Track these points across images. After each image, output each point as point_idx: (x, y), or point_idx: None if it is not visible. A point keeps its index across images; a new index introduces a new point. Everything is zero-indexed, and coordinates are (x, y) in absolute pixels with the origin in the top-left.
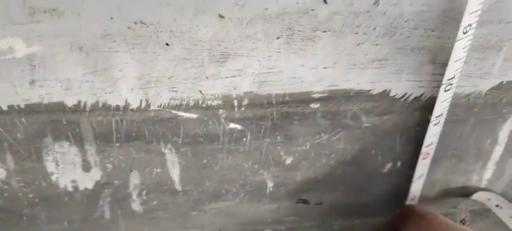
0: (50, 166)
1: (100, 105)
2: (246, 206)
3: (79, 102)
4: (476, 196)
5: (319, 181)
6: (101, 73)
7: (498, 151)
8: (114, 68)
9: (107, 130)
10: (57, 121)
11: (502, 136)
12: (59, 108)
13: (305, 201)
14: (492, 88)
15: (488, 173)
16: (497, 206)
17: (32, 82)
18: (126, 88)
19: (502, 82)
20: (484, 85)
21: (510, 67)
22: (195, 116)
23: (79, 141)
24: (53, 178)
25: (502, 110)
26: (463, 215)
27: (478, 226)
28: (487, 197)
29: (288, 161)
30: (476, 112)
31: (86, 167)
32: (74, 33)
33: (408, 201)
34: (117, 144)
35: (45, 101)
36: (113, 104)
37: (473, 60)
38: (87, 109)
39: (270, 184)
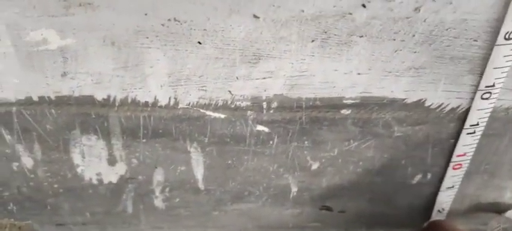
0: (77, 158)
1: (129, 100)
2: (268, 209)
3: (109, 96)
4: (509, 213)
5: (344, 188)
6: (132, 69)
7: None
8: (145, 64)
9: (135, 125)
10: (86, 114)
11: None
12: (89, 101)
13: (328, 208)
14: None
15: None
16: None
17: (64, 74)
18: (156, 85)
19: None
20: None
21: None
22: (223, 116)
23: (106, 135)
24: (79, 170)
25: None
26: None
27: None
28: None
29: (314, 166)
30: None
31: (112, 161)
32: (107, 28)
33: (435, 213)
34: (144, 140)
35: (76, 94)
36: (142, 100)
37: None
38: (116, 104)
39: (294, 189)
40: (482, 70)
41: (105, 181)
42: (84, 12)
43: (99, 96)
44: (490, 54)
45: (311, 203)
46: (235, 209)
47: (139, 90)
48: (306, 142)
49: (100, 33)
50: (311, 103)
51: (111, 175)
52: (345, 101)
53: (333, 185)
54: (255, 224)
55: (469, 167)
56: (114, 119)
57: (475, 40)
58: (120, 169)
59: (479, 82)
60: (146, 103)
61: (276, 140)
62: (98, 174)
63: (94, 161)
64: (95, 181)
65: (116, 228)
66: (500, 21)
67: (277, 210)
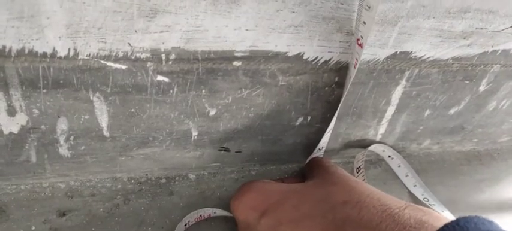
0: None
1: (26, 51)
2: (172, 153)
3: (4, 47)
4: (372, 148)
5: (239, 131)
6: (28, 20)
7: (391, 110)
8: (41, 15)
9: (34, 76)
10: None
11: (394, 98)
12: None
13: (226, 149)
14: (388, 57)
15: (382, 129)
16: (389, 156)
17: None
18: (54, 36)
19: (396, 52)
20: (382, 54)
21: (403, 40)
22: (124, 67)
23: (4, 86)
24: None
25: (395, 76)
26: (359, 164)
27: (371, 173)
28: (382, 149)
29: (212, 112)
30: (375, 77)
31: (11, 112)
32: None
33: (316, 151)
34: (44, 90)
35: None
36: (40, 51)
37: (374, 32)
38: (13, 55)
39: (195, 133)
40: (347, 29)
41: (6, 132)
42: None
43: None
44: (353, 16)
45: (210, 146)
46: (140, 154)
47: (36, 41)
48: (203, 91)
49: None
50: (206, 56)
51: (12, 126)
52: (236, 54)
53: (229, 128)
54: (160, 166)
55: (340, 110)
56: (11, 70)
57: (341, 4)
58: (21, 119)
59: (345, 39)
60: (44, 54)
61: (175, 89)
62: None
63: None
64: None
65: (20, 179)
66: None
67: (180, 153)
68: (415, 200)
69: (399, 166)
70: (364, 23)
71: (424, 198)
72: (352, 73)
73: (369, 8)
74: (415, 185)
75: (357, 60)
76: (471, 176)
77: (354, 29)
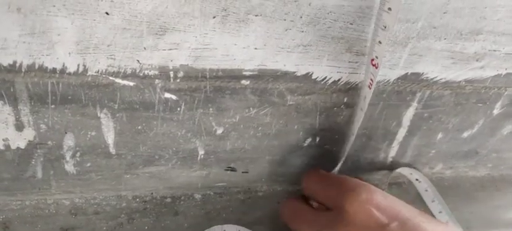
0: None
1: (36, 67)
2: (177, 171)
3: (15, 62)
4: (400, 170)
5: (246, 150)
6: (39, 36)
7: (402, 132)
8: (52, 32)
9: (43, 91)
10: None
11: (405, 120)
12: None
13: (233, 169)
14: (398, 78)
15: (393, 152)
16: (417, 179)
17: None
18: (64, 52)
19: (407, 73)
20: (392, 75)
21: (414, 61)
22: (132, 84)
23: (13, 101)
24: None
25: (406, 97)
26: (383, 187)
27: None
28: (409, 172)
29: (219, 131)
30: (385, 98)
31: (19, 127)
32: None
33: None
34: (53, 106)
35: None
36: (50, 66)
37: (384, 53)
38: (23, 70)
39: (201, 152)
40: (357, 49)
41: (13, 147)
42: None
43: (5, 61)
44: (362, 36)
45: (217, 165)
46: (146, 172)
47: (46, 57)
48: (210, 109)
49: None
50: (214, 74)
51: (19, 141)
52: (244, 72)
53: (236, 148)
54: (165, 185)
55: (349, 132)
56: (21, 85)
57: (351, 24)
58: (29, 134)
59: (354, 59)
60: (54, 70)
61: (183, 107)
62: (5, 140)
63: (0, 127)
64: (1, 147)
65: (25, 195)
66: (369, 8)
67: (186, 172)
68: None
69: (426, 191)
70: (379, 42)
71: None
72: (368, 93)
73: (385, 27)
74: (440, 212)
75: (372, 80)
76: (486, 202)
77: (368, 49)
